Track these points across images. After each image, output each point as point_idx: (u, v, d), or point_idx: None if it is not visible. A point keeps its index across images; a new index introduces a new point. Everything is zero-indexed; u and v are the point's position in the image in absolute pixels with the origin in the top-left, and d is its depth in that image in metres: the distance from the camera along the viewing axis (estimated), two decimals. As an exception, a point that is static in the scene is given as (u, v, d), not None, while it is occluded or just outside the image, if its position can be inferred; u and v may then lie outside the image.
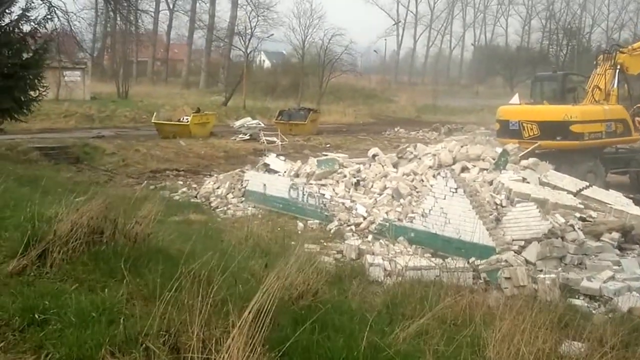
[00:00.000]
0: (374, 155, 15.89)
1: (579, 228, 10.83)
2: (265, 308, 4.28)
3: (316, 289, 5.97)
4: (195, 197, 16.38)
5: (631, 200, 13.45)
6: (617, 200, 13.05)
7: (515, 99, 20.20)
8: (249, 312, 4.18)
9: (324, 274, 6.61)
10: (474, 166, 13.93)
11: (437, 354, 5.02)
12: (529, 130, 17.96)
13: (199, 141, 27.28)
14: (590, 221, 11.54)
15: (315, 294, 5.95)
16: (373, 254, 10.77)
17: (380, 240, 11.68)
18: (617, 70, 19.27)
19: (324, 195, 13.90)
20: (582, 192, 13.05)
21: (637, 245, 11.21)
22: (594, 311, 8.41)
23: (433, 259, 10.40)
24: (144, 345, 4.08)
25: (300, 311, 5.45)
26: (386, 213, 12.77)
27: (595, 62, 20.29)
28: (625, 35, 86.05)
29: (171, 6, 68.78)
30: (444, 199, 11.22)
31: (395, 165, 15.21)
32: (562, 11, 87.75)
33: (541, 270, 9.71)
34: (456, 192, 11.04)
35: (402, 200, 13.12)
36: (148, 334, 4.16)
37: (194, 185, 17.99)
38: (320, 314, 5.26)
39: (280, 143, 27.51)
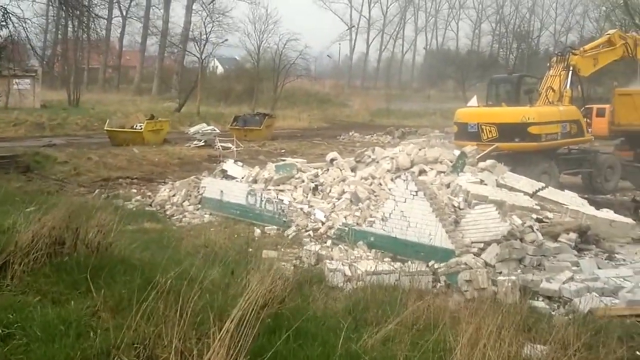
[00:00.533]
0: (332, 160, 15.82)
1: (537, 229, 10.88)
2: (247, 318, 4.21)
3: (282, 297, 5.90)
4: (150, 205, 16.07)
5: (586, 201, 13.63)
6: (572, 200, 13.20)
7: (474, 101, 20.34)
8: (231, 322, 4.10)
9: (289, 280, 6.54)
10: (432, 169, 13.95)
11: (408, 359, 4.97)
12: (487, 132, 18.09)
13: (153, 148, 26.90)
14: (547, 222, 11.63)
15: (282, 302, 5.88)
16: (332, 259, 10.67)
17: (340, 246, 11.61)
18: (570, 72, 19.58)
19: (282, 200, 13.76)
20: (538, 193, 13.16)
21: (594, 246, 11.33)
22: (554, 312, 8.41)
23: (393, 263, 10.34)
24: (117, 358, 4.01)
25: (267, 319, 5.38)
26: (345, 218, 12.70)
27: (548, 64, 20.58)
28: (573, 37, 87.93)
29: (124, 12, 67.90)
30: (404, 202, 11.19)
31: (353, 170, 15.16)
32: (511, 15, 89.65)
33: (501, 273, 9.72)
34: (416, 195, 11.01)
35: (360, 205, 13.07)
36: (120, 347, 4.06)
37: (149, 193, 17.69)
38: (293, 322, 5.21)
39: (235, 149, 27.26)
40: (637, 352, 6.79)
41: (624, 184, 20.48)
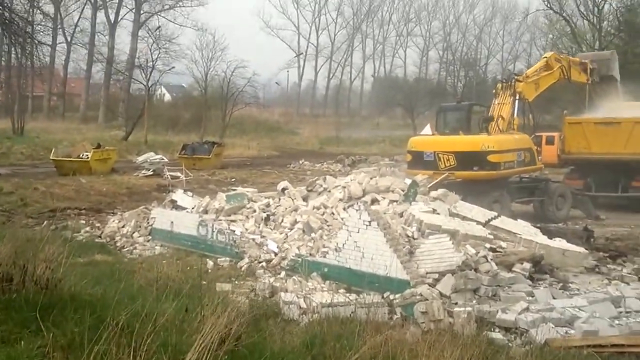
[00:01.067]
0: (283, 189, 15.67)
1: (491, 259, 10.90)
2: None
3: (239, 334, 5.76)
4: (100, 236, 15.66)
5: (539, 230, 13.76)
6: (525, 230, 13.30)
7: (427, 129, 20.39)
8: None
9: (246, 315, 6.40)
10: (384, 198, 13.88)
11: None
12: (445, 161, 18.15)
13: (100, 178, 26.48)
14: (501, 252, 11.68)
15: (239, 339, 5.75)
16: (287, 291, 10.47)
17: (294, 277, 11.38)
18: (517, 99, 19.86)
19: (234, 231, 13.52)
20: (491, 223, 13.24)
21: (548, 275, 11.40)
22: (511, 344, 8.37)
23: (348, 295, 10.19)
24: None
25: (224, 356, 5.24)
26: (298, 248, 12.52)
27: (494, 92, 20.78)
28: (520, 65, 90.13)
29: (69, 39, 66.97)
30: (358, 232, 11.06)
31: (305, 199, 15.03)
32: (458, 42, 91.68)
33: (456, 303, 9.65)
34: (370, 225, 10.90)
35: (313, 235, 12.93)
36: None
37: (98, 224, 17.24)
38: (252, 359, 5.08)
39: (184, 178, 26.93)
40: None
41: (574, 213, 20.82)
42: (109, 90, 64.30)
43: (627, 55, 48.25)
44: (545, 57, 21.88)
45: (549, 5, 59.68)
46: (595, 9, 57.19)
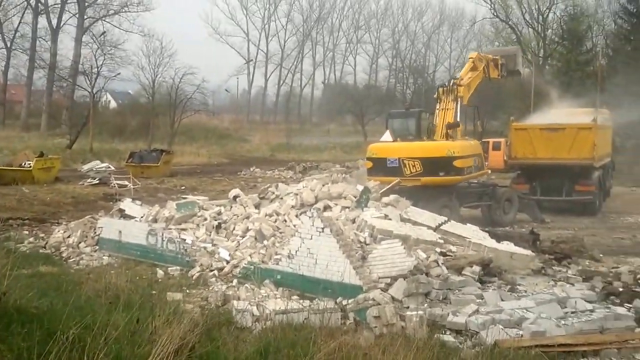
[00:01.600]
0: (235, 197, 15.60)
1: (442, 263, 11.04)
2: None
3: (193, 344, 5.75)
4: (44, 247, 15.27)
5: (487, 234, 13.99)
6: (474, 234, 13.52)
7: (387, 136, 20.39)
8: None
9: (199, 325, 6.37)
10: (336, 204, 13.96)
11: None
12: (410, 167, 18.21)
13: (44, 187, 26.04)
14: (451, 256, 11.83)
15: (192, 349, 5.73)
16: (239, 299, 10.43)
17: (246, 285, 11.35)
18: (458, 104, 20.14)
19: (184, 240, 13.39)
20: (441, 227, 13.41)
21: (496, 278, 11.59)
22: (461, 346, 8.48)
23: (301, 301, 10.17)
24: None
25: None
26: (250, 256, 12.49)
27: (435, 97, 21.00)
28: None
29: (9, 44, 65.36)
30: (311, 239, 11.09)
31: (257, 206, 15.00)
32: (407, 50, 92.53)
33: (408, 307, 9.74)
34: (323, 231, 10.94)
35: (265, 242, 12.92)
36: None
37: (42, 235, 16.87)
38: None
39: (132, 187, 26.56)
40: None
41: (521, 216, 21.28)
42: (52, 97, 62.78)
43: (570, 63, 49.94)
44: (472, 58, 22.21)
45: (495, 14, 61.52)
46: (540, 17, 59.08)
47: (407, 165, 18.28)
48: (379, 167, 19.02)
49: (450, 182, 18.37)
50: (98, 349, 5.00)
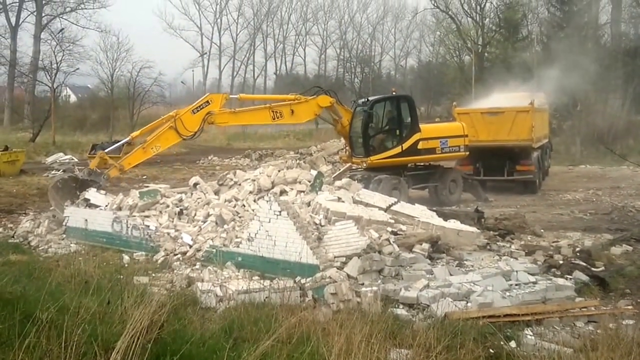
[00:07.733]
0: (195, 184, 15.98)
1: (393, 241, 11.57)
2: (132, 348, 4.29)
3: (161, 323, 6.08)
4: (13, 237, 15.52)
5: (435, 213, 14.59)
6: (422, 213, 14.06)
7: None
8: (117, 353, 4.18)
9: (167, 305, 6.72)
10: (292, 189, 14.41)
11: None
12: None
13: (10, 180, 26.13)
14: (402, 234, 12.34)
15: (161, 327, 6.06)
16: (203, 281, 10.85)
17: (209, 267, 11.76)
18: None
19: (148, 226, 13.78)
20: (392, 208, 13.94)
21: (445, 254, 12.12)
22: (414, 319, 8.92)
23: (262, 281, 10.59)
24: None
25: (148, 344, 5.57)
26: (212, 240, 12.91)
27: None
28: (411, 61, 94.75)
29: (-32, 43, 63.98)
30: (269, 222, 11.57)
31: (216, 193, 15.39)
32: (354, 40, 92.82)
33: (363, 284, 10.23)
34: (280, 215, 11.43)
35: (226, 226, 13.34)
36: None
37: (10, 225, 17.04)
38: (175, 347, 5.35)
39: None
40: (491, 350, 7.33)
41: (466, 196, 22.03)
42: (14, 93, 62.14)
43: (508, 50, 51.68)
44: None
45: (435, 5, 62.89)
46: (478, 7, 60.31)
47: None
48: None
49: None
50: (75, 327, 5.22)
